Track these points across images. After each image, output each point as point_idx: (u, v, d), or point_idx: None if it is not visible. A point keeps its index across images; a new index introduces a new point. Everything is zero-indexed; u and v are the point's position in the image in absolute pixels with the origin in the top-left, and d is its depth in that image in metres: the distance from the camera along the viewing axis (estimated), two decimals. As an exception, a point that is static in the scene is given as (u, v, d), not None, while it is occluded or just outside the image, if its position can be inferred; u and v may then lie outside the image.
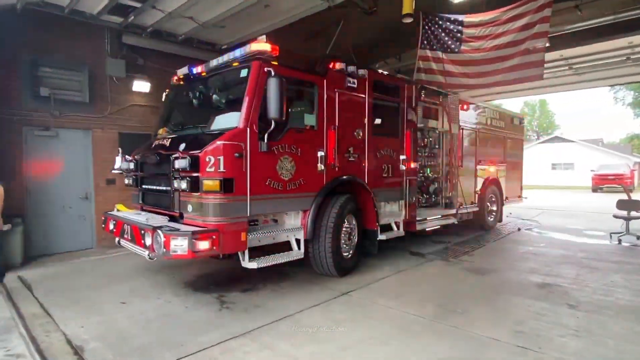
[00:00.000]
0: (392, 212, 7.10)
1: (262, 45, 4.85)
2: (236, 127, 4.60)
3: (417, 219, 7.67)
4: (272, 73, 4.62)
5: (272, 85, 4.55)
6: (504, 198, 10.85)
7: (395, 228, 7.10)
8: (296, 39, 11.41)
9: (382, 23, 10.85)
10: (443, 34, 8.44)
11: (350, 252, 6.10)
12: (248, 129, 4.63)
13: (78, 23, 7.45)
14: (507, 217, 12.64)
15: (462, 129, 8.93)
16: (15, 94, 7.01)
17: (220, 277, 5.99)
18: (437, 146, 8.91)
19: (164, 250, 4.19)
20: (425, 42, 8.81)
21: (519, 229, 10.34)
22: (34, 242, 7.26)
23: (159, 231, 4.27)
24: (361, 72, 6.06)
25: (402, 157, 6.99)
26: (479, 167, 9.60)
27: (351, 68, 5.90)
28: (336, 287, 5.44)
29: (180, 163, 4.55)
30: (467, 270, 6.34)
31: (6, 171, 6.85)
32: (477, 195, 9.56)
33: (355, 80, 6.01)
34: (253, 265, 4.71)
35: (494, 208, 10.48)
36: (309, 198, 5.39)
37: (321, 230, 5.56)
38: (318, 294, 5.19)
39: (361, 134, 6.16)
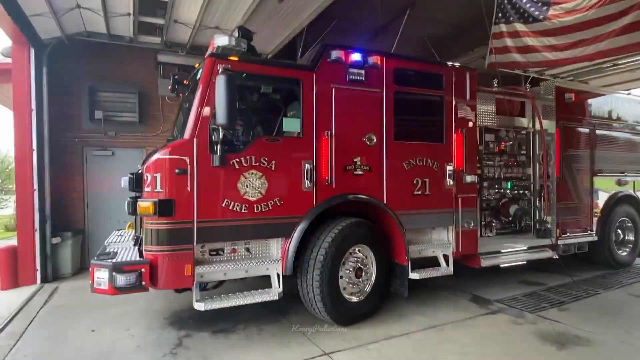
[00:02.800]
0: (436, 242, 5.34)
1: (221, 39, 4.04)
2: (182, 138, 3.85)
3: (484, 251, 5.68)
4: (220, 70, 3.74)
5: (219, 84, 3.65)
6: (652, 223, 7.53)
7: (443, 263, 5.32)
8: (359, 39, 10.32)
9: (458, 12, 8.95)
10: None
11: (362, 293, 4.67)
12: (195, 140, 3.83)
13: (130, 48, 7.90)
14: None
15: (564, 127, 6.42)
16: (76, 119, 7.74)
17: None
18: (523, 152, 6.61)
19: (90, 283, 3.66)
20: (500, 14, 6.69)
21: (673, 271, 6.96)
22: (93, 254, 7.83)
23: (92, 261, 3.77)
24: (371, 60, 4.67)
25: (449, 168, 5.21)
26: (598, 179, 6.80)
27: (355, 56, 4.57)
28: (325, 342, 4.12)
29: (124, 182, 4.03)
30: (541, 337, 4.20)
31: (68, 188, 7.58)
32: (594, 218, 6.76)
33: (363, 72, 4.64)
34: (200, 306, 3.82)
35: (630, 237, 7.31)
36: (290, 223, 4.26)
37: (308, 264, 4.35)
38: (295, 349, 3.98)
39: (375, 140, 4.72)
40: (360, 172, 4.63)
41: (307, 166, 4.31)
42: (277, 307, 4.97)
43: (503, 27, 6.77)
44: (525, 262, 6.11)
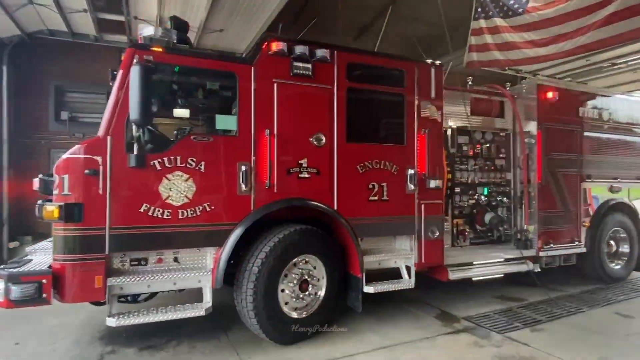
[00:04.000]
0: (398, 253, 4.90)
1: (146, 29, 3.72)
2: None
3: (453, 262, 5.21)
4: (135, 61, 3.40)
5: (132, 76, 3.33)
6: (650, 233, 6.93)
7: (405, 275, 4.87)
8: (345, 37, 9.97)
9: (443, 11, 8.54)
10: (503, -8, 5.82)
11: (309, 308, 4.25)
12: (109, 138, 3.49)
13: (97, 47, 7.69)
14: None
15: (547, 128, 5.92)
16: (43, 120, 7.54)
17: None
18: (502, 156, 6.12)
19: (-12, 294, 3.33)
20: (479, 9, 6.28)
21: (672, 287, 6.34)
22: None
23: (-4, 269, 3.44)
24: (321, 53, 4.28)
25: (410, 171, 4.77)
26: (586, 185, 6.26)
27: (300, 49, 4.19)
28: (255, 364, 3.72)
29: (37, 183, 3.72)
30: (502, 363, 3.72)
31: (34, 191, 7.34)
32: (583, 228, 6.21)
33: (310, 66, 4.26)
34: (112, 322, 3.46)
35: (624, 249, 6.72)
36: (223, 230, 3.88)
37: (243, 276, 3.95)
38: (218, 372, 3.58)
39: (324, 141, 4.33)
40: (306, 175, 4.23)
41: (244, 168, 3.93)
42: (225, 320, 4.59)
43: (482, 23, 6.38)
44: (502, 276, 5.62)
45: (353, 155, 4.49)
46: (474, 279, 5.41)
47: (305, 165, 4.22)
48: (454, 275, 5.14)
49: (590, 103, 6.37)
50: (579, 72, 10.36)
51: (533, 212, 5.86)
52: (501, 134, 6.11)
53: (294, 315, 4.16)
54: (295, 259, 4.17)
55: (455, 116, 5.75)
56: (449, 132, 5.67)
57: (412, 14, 9.25)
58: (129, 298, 3.97)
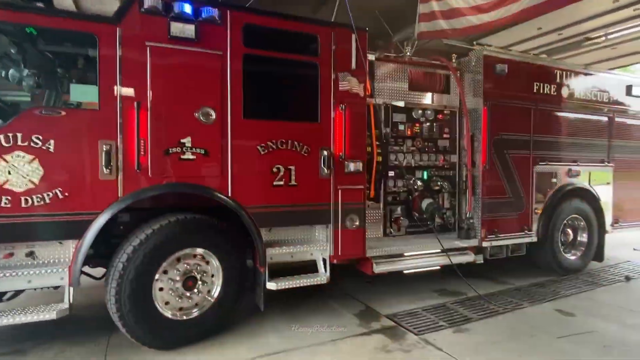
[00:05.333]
0: (315, 244, 4.36)
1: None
2: None
3: (381, 254, 4.69)
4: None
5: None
6: (612, 221, 6.42)
7: (321, 268, 4.36)
8: (304, 8, 9.20)
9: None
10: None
11: (199, 308, 3.74)
12: None
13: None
14: (634, 250, 7.78)
15: (494, 105, 5.31)
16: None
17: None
18: (446, 136, 5.53)
19: None
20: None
21: (627, 279, 5.82)
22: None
23: None
24: (207, 12, 3.64)
25: (324, 153, 4.19)
26: (539, 168, 5.69)
27: (180, 6, 3.54)
28: (120, 373, 3.22)
29: None
30: (403, 371, 3.23)
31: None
32: (534, 216, 5.67)
33: (193, 28, 3.62)
34: None
35: (583, 238, 6.21)
36: (81, 221, 3.32)
37: (108, 274, 3.42)
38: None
39: (214, 116, 3.72)
40: (190, 157, 3.65)
41: (106, 147, 3.34)
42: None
43: (430, -12, 5.70)
44: (438, 268, 5.11)
45: (252, 134, 3.90)
46: (405, 272, 4.92)
47: (188, 144, 3.63)
48: (379, 268, 4.63)
49: (547, 78, 5.74)
50: (554, 48, 9.66)
51: (477, 199, 5.31)
52: (445, 111, 5.49)
53: (177, 316, 3.64)
54: (179, 253, 3.63)
55: (390, 91, 5.13)
56: (382, 109, 5.05)
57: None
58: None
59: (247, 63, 3.86)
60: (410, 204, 5.25)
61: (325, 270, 4.33)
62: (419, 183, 5.17)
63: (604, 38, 8.93)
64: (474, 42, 8.65)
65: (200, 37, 3.65)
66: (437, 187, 5.37)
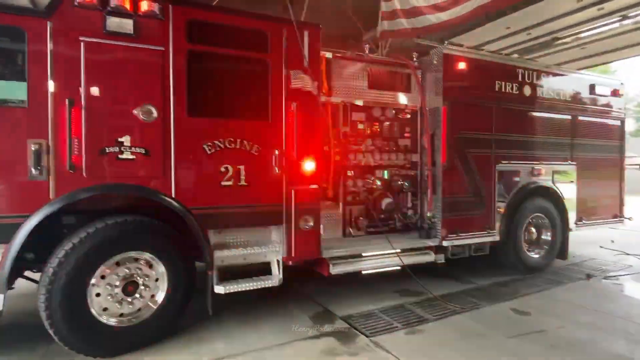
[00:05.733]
0: (268, 245, 4.26)
1: None
2: None
3: (339, 255, 4.61)
4: None
5: None
6: (575, 219, 6.46)
7: (275, 270, 4.26)
8: (274, 7, 9.10)
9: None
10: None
11: (142, 314, 3.60)
12: None
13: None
14: (601, 247, 7.88)
15: (454, 103, 5.28)
16: None
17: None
18: (407, 135, 5.48)
19: None
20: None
21: (588, 277, 5.86)
22: None
23: None
24: (146, 6, 3.50)
25: (276, 152, 4.10)
26: (502, 167, 5.69)
27: (117, 0, 3.41)
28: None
29: None
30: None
31: None
32: (497, 215, 5.67)
33: (132, 22, 3.48)
34: None
35: (547, 237, 6.23)
36: (7, 224, 3.16)
37: (40, 279, 3.26)
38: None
39: (155, 114, 3.59)
40: (129, 157, 3.51)
41: (35, 147, 3.19)
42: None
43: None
44: (398, 268, 5.06)
45: (198, 133, 3.78)
46: (363, 272, 4.84)
47: (127, 143, 3.49)
48: (335, 269, 4.56)
49: (509, 76, 5.74)
50: (525, 48, 9.74)
51: (437, 198, 5.28)
52: (407, 110, 5.45)
53: (117, 322, 3.50)
54: (118, 257, 3.48)
55: (348, 90, 5.04)
56: (340, 107, 4.98)
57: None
58: None
59: (191, 60, 3.74)
60: (370, 203, 5.19)
61: (279, 273, 4.23)
62: (378, 183, 5.11)
63: (571, 38, 9.05)
64: (445, 42, 8.68)
65: (139, 32, 3.52)
66: (398, 187, 5.32)
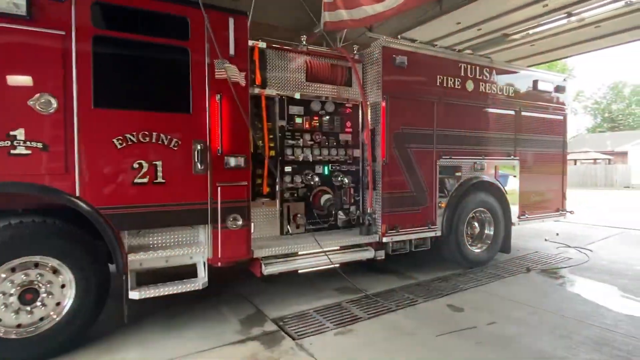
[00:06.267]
0: (193, 246, 4.02)
1: None
2: None
3: (274, 254, 4.43)
4: None
5: None
6: (518, 214, 6.57)
7: (201, 273, 4.03)
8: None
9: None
10: None
11: (45, 324, 3.30)
12: None
13: None
14: (546, 240, 8.10)
15: (394, 98, 5.20)
16: None
17: None
18: (349, 130, 5.36)
19: None
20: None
21: (527, 270, 5.97)
22: None
23: None
24: (42, -16, 3.17)
25: (198, 147, 3.85)
26: (443, 162, 5.67)
27: (2, -25, 3.06)
28: None
29: None
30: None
31: None
32: (438, 210, 5.65)
33: (24, 3, 3.13)
34: None
35: (489, 231, 6.30)
36: None
37: None
38: None
39: (55, 105, 3.27)
40: (24, 152, 3.17)
41: None
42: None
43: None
44: (337, 265, 4.93)
45: (106, 126, 3.48)
46: (299, 271, 4.69)
47: (21, 137, 3.15)
48: (269, 269, 4.39)
49: (451, 71, 5.72)
50: (477, 44, 9.88)
51: (377, 194, 5.19)
52: (347, 104, 5.31)
53: (14, 334, 3.18)
54: (13, 263, 3.16)
55: (285, 82, 4.86)
56: (276, 100, 4.77)
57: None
58: None
59: (98, 46, 3.43)
60: (310, 200, 5.03)
61: (205, 275, 4.01)
62: (316, 179, 4.96)
63: (520, 35, 9.23)
64: (398, 36, 8.62)
65: (34, 14, 3.17)
66: (338, 183, 5.19)
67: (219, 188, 3.96)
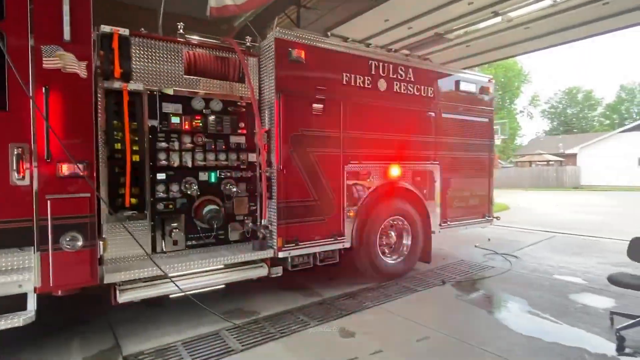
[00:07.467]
0: (20, 272, 3.28)
1: None
2: None
3: (136, 277, 3.76)
4: None
5: None
6: (439, 221, 6.20)
7: (30, 304, 3.30)
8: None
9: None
10: None
11: None
12: None
13: None
14: (476, 247, 7.86)
15: (290, 96, 4.66)
16: None
17: None
18: (241, 131, 4.76)
19: None
20: None
21: (443, 282, 5.59)
22: None
23: None
24: None
25: (16, 151, 3.13)
26: (351, 168, 5.19)
27: None
28: None
29: None
30: None
31: None
32: (346, 219, 5.16)
33: None
34: None
35: (407, 241, 5.89)
36: None
37: None
38: None
39: None
40: None
41: None
42: None
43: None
44: (223, 286, 4.34)
45: None
46: (171, 296, 4.04)
47: None
48: (124, 296, 3.72)
49: (359, 68, 5.25)
50: (412, 44, 9.58)
51: (272, 203, 4.63)
52: (240, 103, 4.72)
53: None
54: None
55: (157, 76, 4.20)
56: (144, 97, 4.10)
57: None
58: None
59: None
60: (191, 212, 4.39)
61: (34, 306, 3.29)
62: (195, 187, 4.33)
63: (453, 35, 9.00)
64: (329, 34, 8.12)
65: None
66: (227, 191, 4.58)
67: (48, 202, 3.25)
